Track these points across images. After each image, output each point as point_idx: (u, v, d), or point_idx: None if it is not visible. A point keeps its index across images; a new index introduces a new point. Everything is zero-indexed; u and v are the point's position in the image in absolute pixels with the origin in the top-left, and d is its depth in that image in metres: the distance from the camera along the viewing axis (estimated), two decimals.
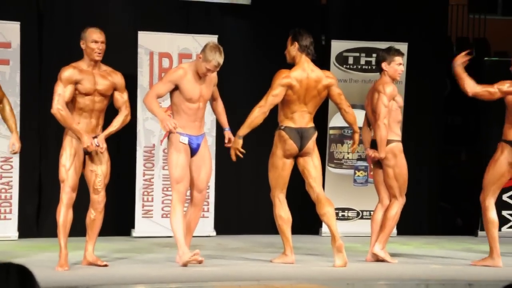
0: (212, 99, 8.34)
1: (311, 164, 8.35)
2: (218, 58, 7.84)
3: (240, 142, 8.21)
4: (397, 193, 8.56)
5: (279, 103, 8.27)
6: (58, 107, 7.64)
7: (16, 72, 9.88)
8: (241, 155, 8.25)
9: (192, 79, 7.99)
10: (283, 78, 8.22)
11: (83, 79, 7.74)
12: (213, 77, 8.14)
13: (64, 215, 7.71)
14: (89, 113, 7.79)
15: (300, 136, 8.29)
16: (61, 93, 7.65)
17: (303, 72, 8.29)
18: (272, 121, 8.38)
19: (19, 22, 9.93)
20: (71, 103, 7.75)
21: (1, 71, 9.82)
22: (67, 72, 7.72)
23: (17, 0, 10.25)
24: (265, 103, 8.18)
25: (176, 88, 7.99)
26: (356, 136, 8.50)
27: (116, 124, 7.92)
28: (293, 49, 8.32)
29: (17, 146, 7.83)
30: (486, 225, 8.53)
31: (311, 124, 8.37)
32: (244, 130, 8.22)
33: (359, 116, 10.60)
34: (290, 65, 8.35)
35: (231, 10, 10.94)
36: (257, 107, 8.20)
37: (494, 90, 8.43)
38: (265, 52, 10.21)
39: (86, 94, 7.75)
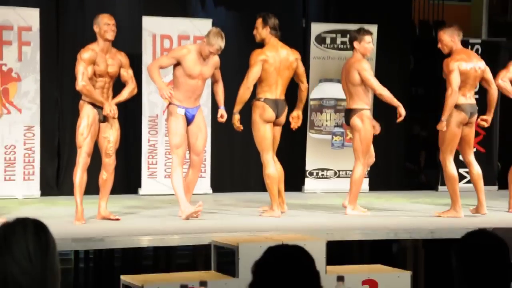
0: (214, 81, 8.34)
1: (277, 136, 8.42)
2: (220, 43, 7.85)
3: (237, 117, 8.28)
4: (360, 156, 8.52)
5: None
6: (83, 83, 7.66)
7: (36, 52, 9.81)
8: (240, 128, 8.30)
9: (195, 58, 7.97)
10: (259, 55, 8.30)
11: (98, 61, 7.75)
12: (216, 60, 8.14)
13: (80, 176, 7.73)
14: (101, 90, 7.80)
15: (276, 106, 8.33)
16: (84, 71, 7.66)
17: (274, 49, 8.36)
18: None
19: (38, 8, 9.86)
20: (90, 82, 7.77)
21: (24, 51, 9.76)
22: (87, 53, 7.72)
23: None
24: (247, 79, 8.26)
25: (179, 64, 7.96)
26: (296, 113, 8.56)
27: (125, 94, 7.98)
28: (264, 32, 8.37)
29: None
30: (447, 180, 8.51)
31: (283, 97, 8.42)
32: (237, 107, 8.31)
33: (334, 89, 10.66)
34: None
35: None
36: (242, 85, 8.29)
37: None
38: (252, 35, 10.13)
39: (100, 76, 7.77)
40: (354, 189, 8.49)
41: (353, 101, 8.53)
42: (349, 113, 8.57)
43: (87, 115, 7.77)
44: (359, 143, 8.50)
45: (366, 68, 8.47)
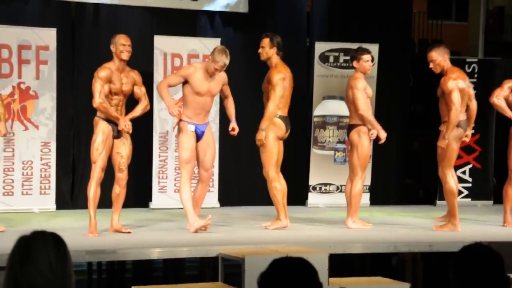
0: (224, 96, 8.33)
1: (282, 151, 8.44)
2: (224, 60, 7.84)
3: (263, 133, 8.24)
4: (359, 170, 8.51)
5: None
6: (99, 101, 7.69)
7: (53, 71, 9.84)
8: (264, 143, 8.26)
9: (202, 76, 7.97)
10: (279, 73, 8.31)
11: (114, 79, 7.77)
12: (223, 77, 8.13)
13: (94, 190, 7.73)
14: (115, 107, 7.82)
15: (286, 122, 8.38)
16: (101, 89, 7.68)
17: (285, 68, 8.41)
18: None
19: (55, 28, 9.90)
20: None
21: (41, 70, 9.81)
22: (104, 72, 7.75)
23: (54, 10, 10.23)
24: (275, 97, 8.25)
25: (187, 82, 7.97)
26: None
27: (138, 110, 8.00)
28: (271, 51, 8.36)
29: (3, 132, 7.85)
30: (447, 195, 8.50)
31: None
32: (265, 123, 8.27)
33: (337, 106, 10.67)
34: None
35: (231, 17, 10.91)
36: (271, 102, 8.26)
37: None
38: (258, 53, 10.13)
39: (115, 94, 7.79)
40: (353, 202, 8.48)
41: (352, 117, 8.57)
42: (349, 128, 8.63)
43: (102, 131, 7.78)
44: (356, 158, 8.51)
45: (358, 87, 8.47)
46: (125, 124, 7.77)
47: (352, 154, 8.57)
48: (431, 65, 8.46)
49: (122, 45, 7.78)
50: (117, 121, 7.76)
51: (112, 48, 7.84)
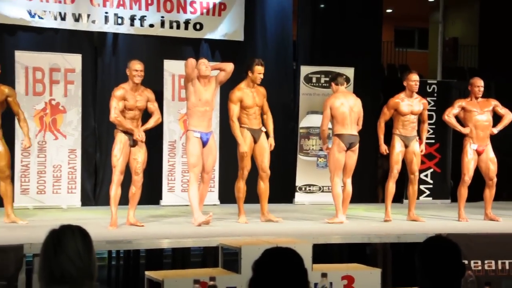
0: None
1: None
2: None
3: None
4: (333, 174, 8.46)
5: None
6: (115, 115, 7.67)
7: (79, 89, 9.83)
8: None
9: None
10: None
11: (128, 97, 7.73)
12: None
13: (115, 191, 7.69)
14: (131, 120, 7.80)
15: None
16: (116, 106, 7.68)
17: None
18: None
19: (80, 54, 9.88)
20: (121, 114, 7.76)
21: (69, 88, 9.79)
22: (119, 92, 7.74)
23: (79, 39, 10.20)
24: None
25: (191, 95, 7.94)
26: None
27: (151, 122, 7.96)
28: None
29: (28, 145, 8.00)
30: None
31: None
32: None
33: (319, 119, 10.64)
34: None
35: (229, 44, 10.87)
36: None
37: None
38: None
39: (130, 109, 7.77)
40: (336, 201, 8.43)
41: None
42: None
43: (120, 140, 7.76)
44: (330, 163, 8.48)
45: (325, 105, 8.49)
46: (139, 134, 7.74)
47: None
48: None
49: (135, 70, 7.76)
50: (132, 132, 7.73)
51: (127, 71, 7.82)
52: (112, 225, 7.60)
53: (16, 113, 7.96)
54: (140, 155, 7.82)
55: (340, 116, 8.43)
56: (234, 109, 8.17)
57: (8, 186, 7.88)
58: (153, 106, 7.96)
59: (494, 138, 8.98)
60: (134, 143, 7.81)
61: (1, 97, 7.78)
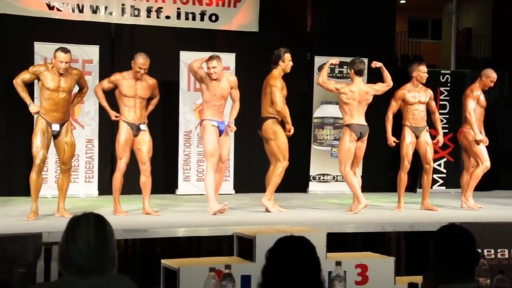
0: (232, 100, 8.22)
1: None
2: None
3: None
4: (342, 162, 8.35)
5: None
6: (95, 86, 8.00)
7: (96, 80, 9.80)
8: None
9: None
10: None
11: (124, 85, 7.75)
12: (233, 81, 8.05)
13: (114, 178, 7.85)
14: (134, 108, 7.80)
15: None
16: (104, 82, 7.90)
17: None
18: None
19: (98, 45, 9.88)
20: (122, 102, 7.81)
21: (87, 79, 9.67)
22: (114, 76, 7.86)
23: (97, 31, 10.21)
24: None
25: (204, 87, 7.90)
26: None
27: (149, 107, 7.97)
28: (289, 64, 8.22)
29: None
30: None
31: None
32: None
33: (333, 109, 10.61)
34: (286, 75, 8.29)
35: (244, 35, 10.83)
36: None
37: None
38: (267, 65, 10.09)
39: (130, 96, 7.77)
40: (353, 189, 8.33)
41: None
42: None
43: (123, 131, 7.80)
44: (340, 153, 8.35)
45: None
46: (115, 115, 7.81)
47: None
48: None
49: (139, 67, 7.74)
50: (107, 110, 7.85)
51: (132, 64, 7.79)
52: (116, 212, 7.70)
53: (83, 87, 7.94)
54: (144, 145, 7.81)
55: (350, 106, 8.39)
56: (280, 96, 8.10)
57: (65, 180, 7.70)
58: (155, 92, 7.98)
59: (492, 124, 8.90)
60: (137, 132, 7.78)
61: (75, 81, 7.68)
